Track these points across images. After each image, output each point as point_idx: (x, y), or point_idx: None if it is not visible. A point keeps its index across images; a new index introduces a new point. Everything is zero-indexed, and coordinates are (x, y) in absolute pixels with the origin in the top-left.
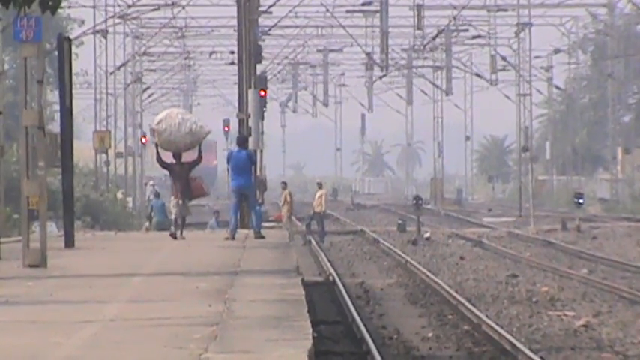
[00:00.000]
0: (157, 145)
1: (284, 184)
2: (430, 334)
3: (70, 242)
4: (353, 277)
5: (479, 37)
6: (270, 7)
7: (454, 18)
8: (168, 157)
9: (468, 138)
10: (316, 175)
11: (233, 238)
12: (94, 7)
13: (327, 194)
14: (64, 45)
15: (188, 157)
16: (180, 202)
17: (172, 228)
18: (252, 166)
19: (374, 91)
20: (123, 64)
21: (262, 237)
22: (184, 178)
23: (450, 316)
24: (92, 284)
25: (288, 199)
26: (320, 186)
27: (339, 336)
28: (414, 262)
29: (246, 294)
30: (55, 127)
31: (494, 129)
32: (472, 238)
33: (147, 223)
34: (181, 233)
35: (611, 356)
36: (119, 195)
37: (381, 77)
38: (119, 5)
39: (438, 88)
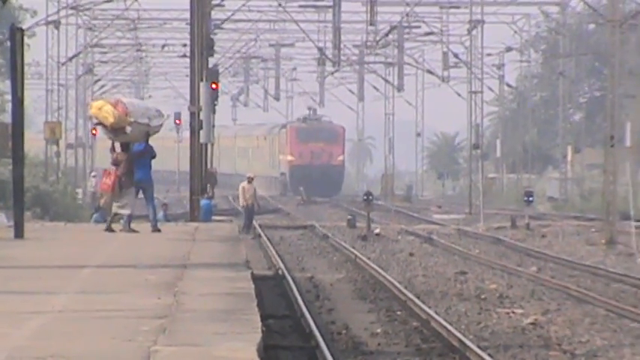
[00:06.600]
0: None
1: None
2: (379, 330)
3: (19, 233)
4: (302, 271)
5: (431, 33)
6: (223, 0)
7: (407, 14)
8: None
9: (418, 134)
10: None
11: (128, 230)
12: None
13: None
14: (16, 35)
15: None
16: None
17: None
18: (152, 159)
19: (325, 87)
20: (75, 56)
21: (158, 231)
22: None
23: (398, 312)
24: (41, 275)
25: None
26: (250, 180)
27: (288, 330)
28: (363, 258)
29: (195, 287)
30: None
31: (445, 126)
32: (422, 235)
33: (95, 214)
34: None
35: (559, 355)
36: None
37: (332, 73)
38: None
39: (389, 84)
